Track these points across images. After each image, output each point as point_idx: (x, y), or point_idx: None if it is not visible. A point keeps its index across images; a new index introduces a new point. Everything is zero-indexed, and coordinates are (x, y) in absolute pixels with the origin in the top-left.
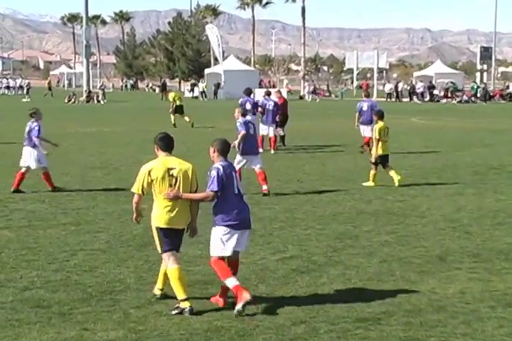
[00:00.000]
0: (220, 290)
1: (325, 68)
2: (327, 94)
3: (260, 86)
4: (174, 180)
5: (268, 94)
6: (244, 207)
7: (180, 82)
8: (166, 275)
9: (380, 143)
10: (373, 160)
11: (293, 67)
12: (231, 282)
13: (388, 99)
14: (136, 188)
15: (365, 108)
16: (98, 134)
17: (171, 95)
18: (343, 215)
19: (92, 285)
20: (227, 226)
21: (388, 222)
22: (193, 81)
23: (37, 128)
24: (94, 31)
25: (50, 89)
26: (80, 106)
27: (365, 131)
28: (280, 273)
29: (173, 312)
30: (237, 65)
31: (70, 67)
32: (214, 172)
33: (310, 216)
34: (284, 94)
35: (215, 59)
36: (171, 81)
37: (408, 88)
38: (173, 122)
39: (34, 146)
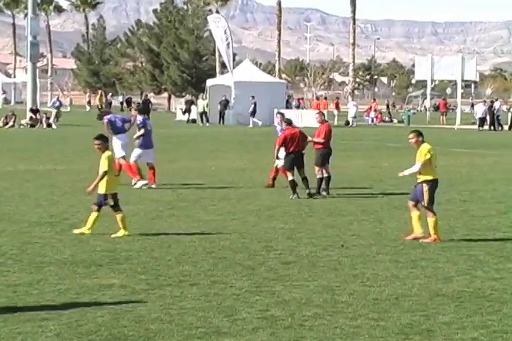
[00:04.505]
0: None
1: (384, 80)
2: (386, 117)
3: (288, 105)
4: None
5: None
6: None
7: (169, 99)
8: None
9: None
10: (112, 203)
11: (337, 77)
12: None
13: (480, 128)
14: None
15: None
16: (47, 175)
17: None
18: (409, 299)
19: None
20: None
21: (477, 311)
22: (188, 97)
23: None
24: (44, 22)
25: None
26: (22, 132)
27: None
28: None
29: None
30: (255, 73)
31: (8, 75)
32: None
33: (359, 299)
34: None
35: (222, 65)
36: (157, 96)
37: (510, 110)
38: None
39: None
